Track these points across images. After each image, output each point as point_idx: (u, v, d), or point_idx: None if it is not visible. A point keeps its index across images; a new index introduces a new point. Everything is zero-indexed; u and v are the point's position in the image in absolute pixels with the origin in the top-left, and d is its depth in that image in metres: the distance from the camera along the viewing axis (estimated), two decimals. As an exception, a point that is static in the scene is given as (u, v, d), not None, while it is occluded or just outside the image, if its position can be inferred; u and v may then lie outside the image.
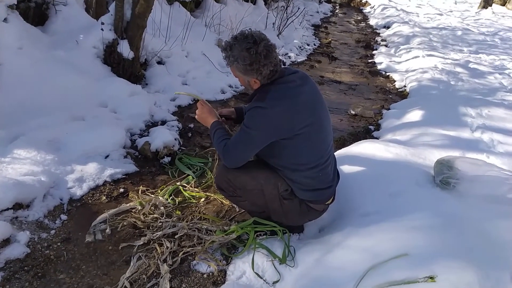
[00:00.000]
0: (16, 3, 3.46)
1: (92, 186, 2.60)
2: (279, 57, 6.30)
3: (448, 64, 6.33)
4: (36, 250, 2.06)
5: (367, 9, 14.23)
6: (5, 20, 3.31)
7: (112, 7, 3.92)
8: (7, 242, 2.02)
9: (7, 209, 2.19)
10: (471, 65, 6.47)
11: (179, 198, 2.60)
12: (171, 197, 2.59)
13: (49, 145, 2.77)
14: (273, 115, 1.83)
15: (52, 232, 2.20)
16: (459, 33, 9.78)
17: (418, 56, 6.86)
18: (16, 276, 1.88)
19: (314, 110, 1.91)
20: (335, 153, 2.44)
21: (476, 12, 13.85)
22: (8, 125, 2.86)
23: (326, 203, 2.12)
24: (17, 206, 2.23)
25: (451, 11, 13.91)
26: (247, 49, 1.82)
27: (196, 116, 2.23)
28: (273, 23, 7.69)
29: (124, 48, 3.91)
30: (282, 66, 1.99)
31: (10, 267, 1.92)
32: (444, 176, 2.32)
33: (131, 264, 2.01)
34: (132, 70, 4.09)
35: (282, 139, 1.89)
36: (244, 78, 1.94)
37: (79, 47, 3.85)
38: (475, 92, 4.96)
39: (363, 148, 2.92)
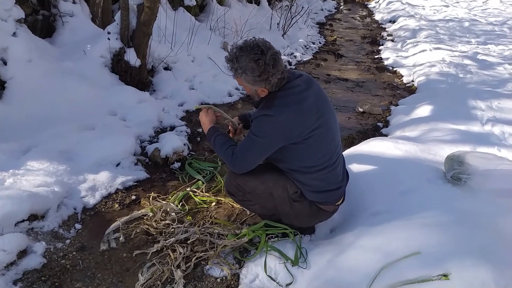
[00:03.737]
0: (24, 16, 3.52)
1: (104, 195, 2.64)
2: (285, 57, 6.34)
3: (456, 57, 6.27)
4: (52, 260, 2.09)
5: (372, 4, 14.14)
6: (14, 34, 3.38)
7: (117, 16, 3.97)
8: (24, 253, 2.06)
9: (23, 220, 2.23)
10: (480, 57, 6.39)
11: (189, 205, 2.62)
12: (181, 203, 2.61)
13: (61, 156, 2.82)
14: (280, 122, 1.83)
15: (67, 241, 2.24)
16: (467, 24, 9.66)
17: (425, 50, 6.81)
18: (34, 287, 1.92)
19: (320, 113, 1.91)
20: (343, 152, 2.44)
21: (483, 2, 13.65)
22: (20, 137, 2.92)
23: (336, 204, 2.12)
24: (33, 217, 2.28)
25: (458, 2, 13.73)
26: (255, 60, 1.79)
27: (199, 116, 2.24)
28: (278, 23, 7.69)
29: (131, 56, 3.95)
30: (287, 68, 1.98)
31: (28, 277, 1.96)
32: (455, 171, 2.30)
33: (144, 271, 2.04)
34: (140, 78, 4.13)
35: (291, 144, 1.89)
36: (252, 88, 1.92)
37: (87, 57, 3.91)
38: (484, 84, 4.90)
39: (372, 146, 2.91)
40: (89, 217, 2.46)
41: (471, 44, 7.53)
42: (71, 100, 3.46)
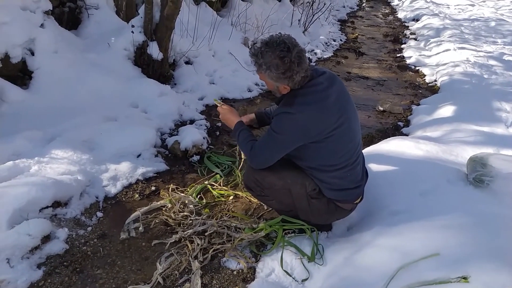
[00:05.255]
0: (51, 8, 3.60)
1: (125, 185, 2.70)
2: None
3: (480, 57, 6.12)
4: (74, 246, 2.15)
5: (395, 2, 13.91)
6: (41, 25, 3.46)
7: (141, 10, 4.02)
8: (47, 238, 2.13)
9: (47, 207, 2.29)
10: (506, 57, 6.23)
11: (207, 199, 2.65)
12: (199, 196, 2.65)
13: (84, 145, 2.89)
14: (301, 120, 1.82)
15: (89, 229, 2.30)
16: (493, 24, 9.41)
17: (449, 49, 6.67)
18: (56, 271, 1.98)
19: (342, 111, 1.89)
20: (363, 151, 2.42)
21: (511, 1, 13.25)
22: (45, 126, 3.00)
23: (355, 202, 2.12)
24: (56, 204, 2.34)
25: (484, 1, 13.38)
26: (280, 58, 1.77)
27: (220, 117, 2.28)
28: (299, 20, 7.65)
29: (154, 50, 4.00)
30: (310, 65, 1.97)
31: (51, 262, 2.03)
32: (477, 173, 2.26)
33: (162, 260, 2.08)
34: (161, 71, 4.18)
35: (311, 142, 1.88)
36: (274, 84, 1.90)
37: (111, 49, 3.97)
38: (509, 85, 4.78)
39: (392, 145, 2.88)
40: (110, 206, 2.52)
41: (497, 45, 7.34)
42: (95, 91, 3.53)
